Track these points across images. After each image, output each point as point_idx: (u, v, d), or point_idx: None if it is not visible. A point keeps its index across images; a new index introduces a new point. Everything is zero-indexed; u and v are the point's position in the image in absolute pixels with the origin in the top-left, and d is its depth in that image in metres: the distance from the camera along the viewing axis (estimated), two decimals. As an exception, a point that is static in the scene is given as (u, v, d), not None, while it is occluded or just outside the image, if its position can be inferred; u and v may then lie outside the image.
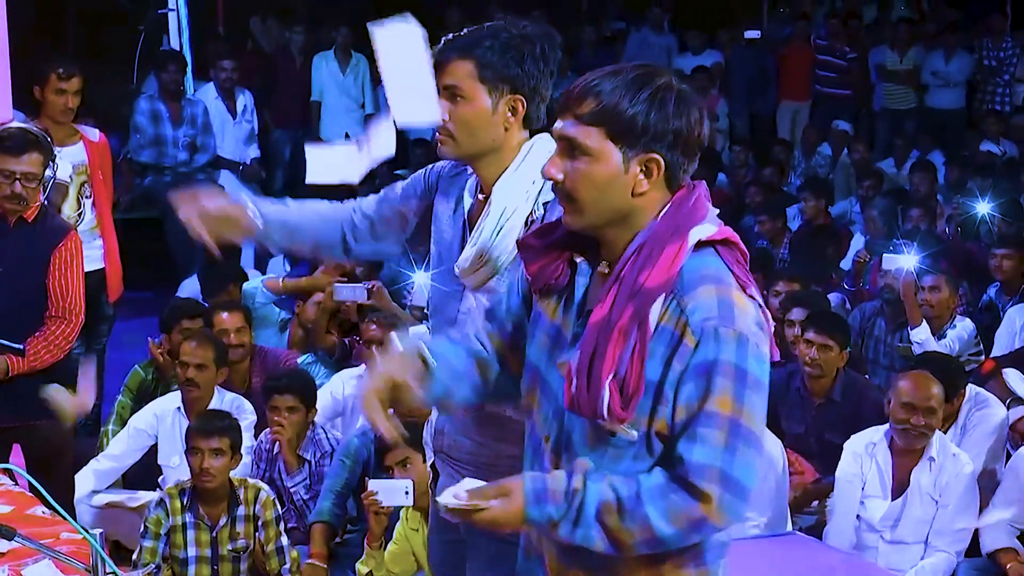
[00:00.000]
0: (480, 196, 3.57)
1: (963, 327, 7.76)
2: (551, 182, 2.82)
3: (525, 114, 3.49)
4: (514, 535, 3.15)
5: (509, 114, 3.46)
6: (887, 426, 5.89)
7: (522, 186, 3.47)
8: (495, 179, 3.51)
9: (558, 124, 2.80)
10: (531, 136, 3.55)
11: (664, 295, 2.71)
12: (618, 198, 2.76)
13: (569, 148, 2.76)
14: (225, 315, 7.23)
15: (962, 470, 5.82)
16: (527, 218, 3.46)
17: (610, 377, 2.70)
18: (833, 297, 8.48)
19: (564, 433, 2.85)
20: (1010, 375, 6.94)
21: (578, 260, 2.90)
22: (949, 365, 6.52)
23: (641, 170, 2.75)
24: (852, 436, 6.04)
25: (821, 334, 6.70)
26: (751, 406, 2.69)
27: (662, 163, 2.75)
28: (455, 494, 2.79)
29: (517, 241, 3.03)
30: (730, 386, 2.67)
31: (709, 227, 2.77)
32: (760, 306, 2.79)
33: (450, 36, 3.51)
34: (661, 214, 2.77)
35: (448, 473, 3.69)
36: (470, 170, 3.62)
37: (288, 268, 10.02)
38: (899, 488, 5.86)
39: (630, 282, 2.71)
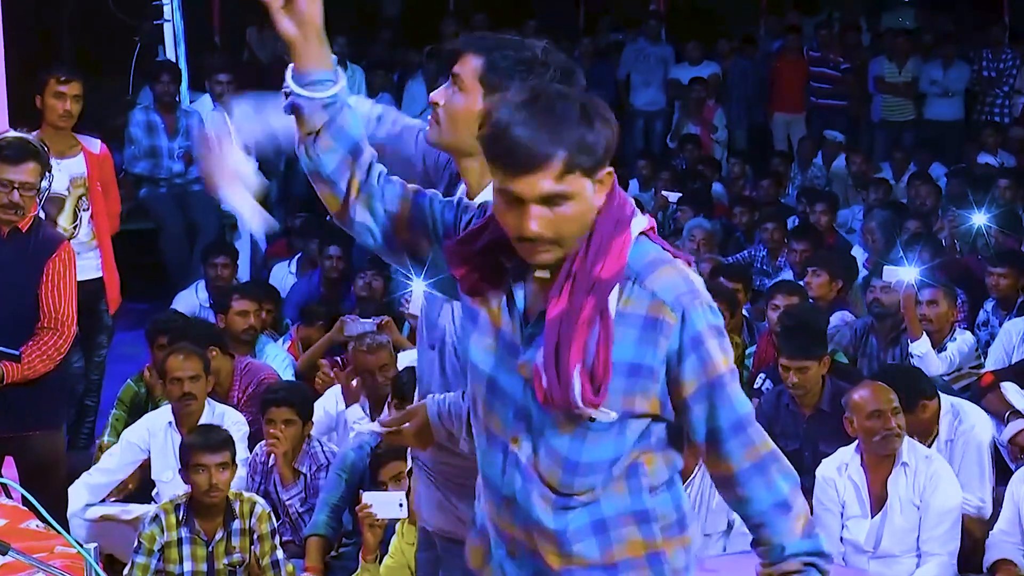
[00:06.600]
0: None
1: (963, 340, 7.74)
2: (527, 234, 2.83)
3: None
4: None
5: None
6: (855, 445, 5.88)
7: None
8: (478, 191, 3.47)
9: (526, 187, 2.80)
10: None
11: (619, 283, 2.87)
12: (589, 219, 2.88)
13: (549, 200, 2.81)
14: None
15: (937, 470, 5.80)
16: None
17: (578, 367, 2.83)
18: (841, 315, 8.42)
19: (535, 430, 2.96)
20: (1008, 389, 6.92)
21: (508, 266, 2.97)
22: (909, 374, 6.53)
23: (598, 187, 2.88)
24: (823, 461, 6.02)
25: (794, 358, 6.68)
26: (729, 349, 2.96)
27: (612, 173, 2.90)
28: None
29: (445, 247, 3.05)
30: (718, 344, 2.91)
31: (643, 218, 2.95)
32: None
33: (478, 33, 3.53)
34: (599, 213, 2.89)
35: (424, 483, 3.70)
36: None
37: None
38: (878, 503, 5.84)
39: (585, 276, 2.85)
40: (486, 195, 3.43)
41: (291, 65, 3.08)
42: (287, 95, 3.08)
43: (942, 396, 6.50)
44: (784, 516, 2.98)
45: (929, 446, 6.20)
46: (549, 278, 2.90)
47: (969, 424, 6.38)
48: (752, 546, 3.05)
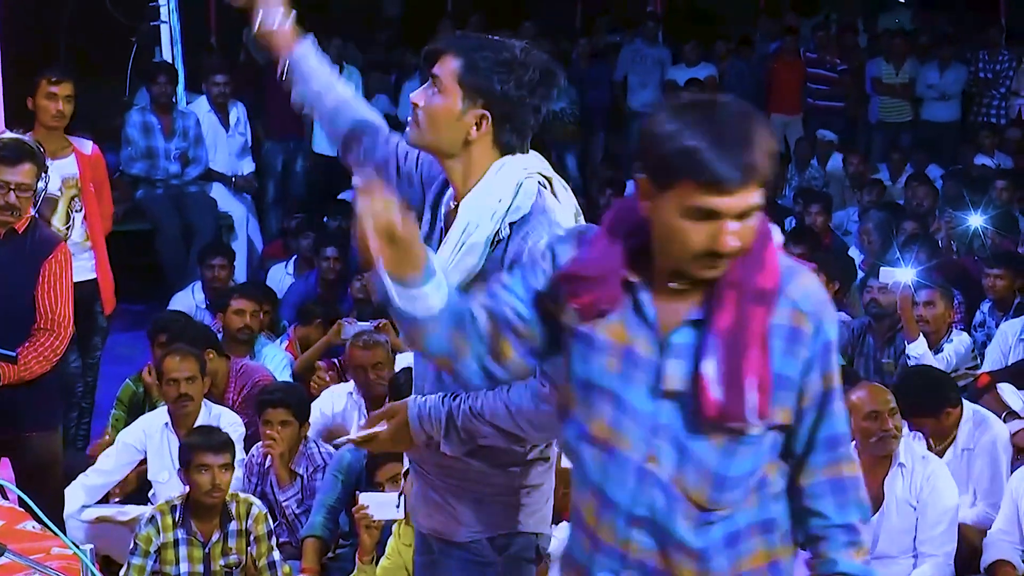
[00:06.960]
0: (452, 204, 3.53)
1: (960, 341, 7.74)
2: (726, 247, 2.77)
3: (495, 136, 3.42)
4: (479, 554, 3.44)
5: (473, 127, 3.40)
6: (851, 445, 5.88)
7: (488, 204, 3.39)
8: (464, 192, 3.46)
9: (729, 204, 2.74)
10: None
11: None
12: None
13: (745, 214, 2.77)
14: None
15: (934, 471, 5.80)
16: (492, 237, 3.40)
17: (753, 379, 2.82)
18: (839, 316, 8.40)
19: (679, 446, 2.88)
20: (1005, 389, 6.94)
21: (634, 280, 2.88)
22: (936, 380, 6.51)
23: None
24: None
25: None
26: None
27: None
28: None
29: (561, 275, 2.93)
30: (837, 357, 2.94)
31: (776, 228, 2.92)
32: None
33: (459, 33, 3.52)
34: None
35: (420, 485, 3.67)
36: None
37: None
38: (874, 504, 5.82)
39: (749, 286, 2.83)
40: (466, 204, 3.42)
41: (387, 269, 2.91)
42: (389, 302, 2.95)
43: (965, 403, 6.47)
44: (846, 538, 2.95)
45: (944, 451, 6.19)
46: (688, 288, 2.84)
47: (992, 435, 6.32)
48: (806, 565, 3.02)
